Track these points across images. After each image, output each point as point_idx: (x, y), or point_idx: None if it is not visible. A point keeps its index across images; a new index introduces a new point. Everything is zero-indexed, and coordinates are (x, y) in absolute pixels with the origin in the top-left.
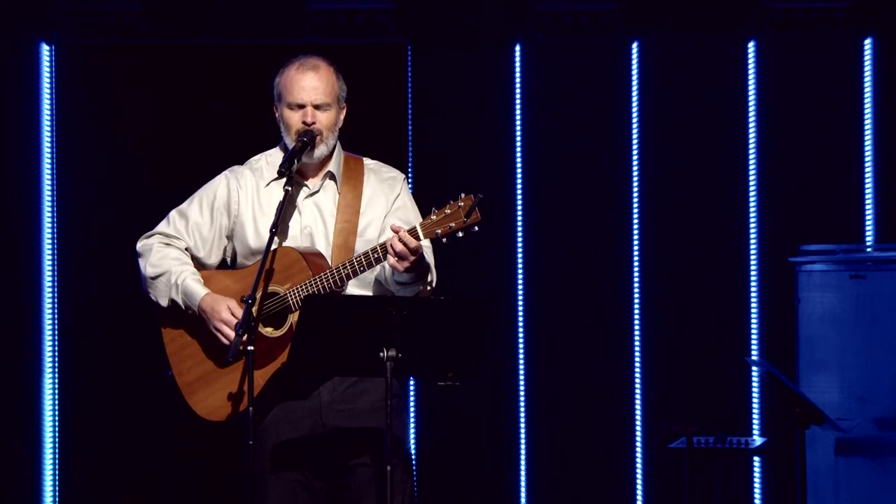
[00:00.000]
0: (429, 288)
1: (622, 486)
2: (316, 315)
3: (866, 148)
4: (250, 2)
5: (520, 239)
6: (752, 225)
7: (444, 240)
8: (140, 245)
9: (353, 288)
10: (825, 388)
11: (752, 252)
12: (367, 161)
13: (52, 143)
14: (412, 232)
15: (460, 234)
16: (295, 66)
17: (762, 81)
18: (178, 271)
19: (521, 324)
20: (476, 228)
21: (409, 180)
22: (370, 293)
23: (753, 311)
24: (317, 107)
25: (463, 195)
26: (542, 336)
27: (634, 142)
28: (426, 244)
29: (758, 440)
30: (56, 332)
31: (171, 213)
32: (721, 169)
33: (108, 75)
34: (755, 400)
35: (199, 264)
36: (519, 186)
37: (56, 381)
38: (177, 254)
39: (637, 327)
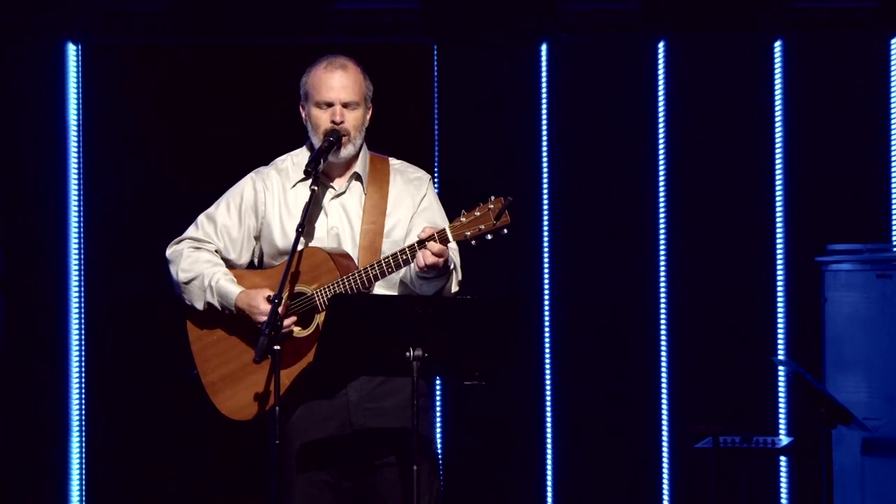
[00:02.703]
0: (454, 288)
1: (648, 486)
2: (343, 315)
3: (893, 147)
4: (275, 2)
5: (546, 238)
6: (778, 224)
7: (473, 242)
8: (170, 251)
9: (379, 288)
10: (852, 387)
11: (779, 251)
12: (392, 161)
13: (79, 142)
14: (441, 234)
15: (489, 237)
16: (323, 65)
17: (789, 80)
18: (211, 273)
19: (547, 323)
20: (505, 231)
21: (436, 180)
22: (395, 293)
23: (780, 310)
24: (345, 105)
25: (493, 197)
26: (569, 335)
27: (661, 141)
28: (453, 244)
29: (784, 440)
30: (83, 332)
31: (198, 217)
32: (748, 168)
33: (133, 75)
34: (781, 400)
35: (229, 266)
36: (545, 186)
37: (83, 380)
38: (208, 256)
39: (664, 327)
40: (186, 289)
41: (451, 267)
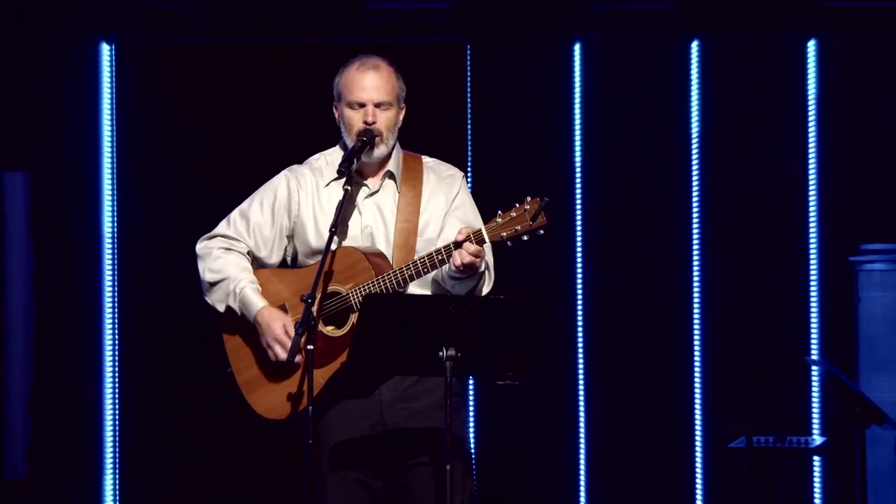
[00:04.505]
0: (486, 289)
1: (682, 486)
2: (376, 314)
3: None
4: (308, 2)
5: (579, 238)
6: (812, 224)
7: (510, 243)
8: (200, 247)
9: (412, 286)
10: (885, 387)
11: (812, 251)
12: (425, 159)
13: (112, 142)
14: (477, 235)
15: (526, 238)
16: (356, 65)
17: (822, 79)
18: (238, 279)
19: (580, 322)
20: (542, 232)
21: (469, 180)
22: (429, 292)
23: (813, 310)
24: (377, 106)
25: (529, 198)
26: (602, 335)
27: (694, 140)
28: (486, 245)
29: (817, 440)
30: (116, 331)
31: (231, 213)
32: (781, 168)
33: (167, 75)
34: (815, 400)
35: (259, 264)
36: (578, 185)
37: (116, 379)
38: (237, 259)
39: (697, 326)
40: (212, 289)
41: (485, 268)
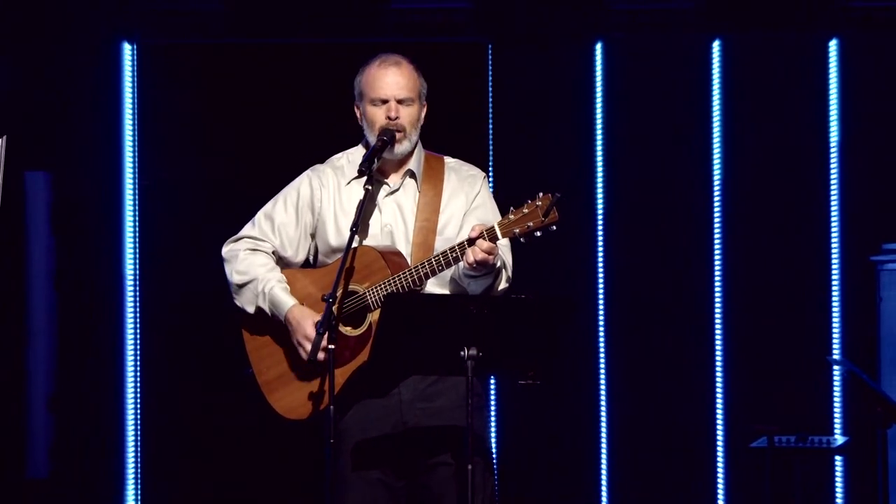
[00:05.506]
0: (503, 285)
1: (703, 485)
2: (397, 314)
3: None
4: (329, 1)
5: (600, 238)
6: (833, 223)
7: (523, 239)
8: (226, 250)
9: (432, 285)
10: None
11: (834, 251)
12: (447, 159)
13: (134, 142)
14: (490, 232)
15: (538, 234)
16: (377, 62)
17: (844, 79)
18: (266, 279)
19: (601, 322)
20: (554, 228)
21: (490, 179)
22: (447, 290)
23: (835, 310)
24: (400, 102)
25: (541, 194)
26: (623, 335)
27: (715, 139)
28: (504, 242)
29: (839, 440)
30: (138, 331)
31: (255, 216)
32: (803, 167)
33: (189, 74)
34: (837, 399)
35: (285, 264)
36: (600, 185)
37: (138, 379)
38: (263, 260)
39: (718, 326)
40: (240, 291)
41: (500, 265)
